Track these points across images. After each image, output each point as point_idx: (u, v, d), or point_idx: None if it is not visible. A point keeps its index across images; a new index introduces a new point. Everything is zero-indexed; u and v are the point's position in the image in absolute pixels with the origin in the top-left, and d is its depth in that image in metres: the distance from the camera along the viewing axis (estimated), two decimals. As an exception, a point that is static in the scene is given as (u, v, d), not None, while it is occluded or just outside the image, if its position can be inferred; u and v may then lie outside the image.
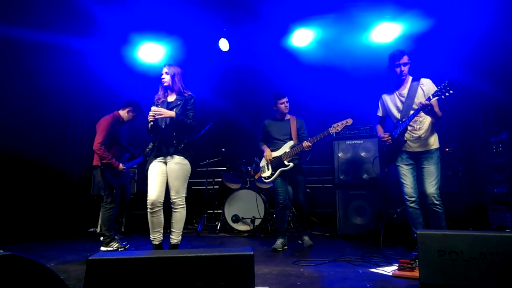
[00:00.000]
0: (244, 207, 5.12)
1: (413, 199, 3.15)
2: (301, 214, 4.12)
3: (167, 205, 3.15)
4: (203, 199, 6.02)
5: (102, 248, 3.80)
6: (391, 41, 5.15)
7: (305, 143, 3.72)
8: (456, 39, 4.80)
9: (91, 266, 1.64)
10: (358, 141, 4.74)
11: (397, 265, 2.76)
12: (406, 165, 3.22)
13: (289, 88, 5.20)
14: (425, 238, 2.19)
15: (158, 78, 3.32)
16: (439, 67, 4.60)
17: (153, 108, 3.10)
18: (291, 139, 3.99)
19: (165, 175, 3.13)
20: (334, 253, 3.49)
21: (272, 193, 4.13)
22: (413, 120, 3.09)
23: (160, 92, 3.29)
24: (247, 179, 5.46)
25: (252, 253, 1.73)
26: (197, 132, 5.13)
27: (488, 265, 2.03)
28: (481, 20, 4.48)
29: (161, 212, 3.11)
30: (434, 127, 3.16)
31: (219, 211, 5.72)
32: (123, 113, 4.08)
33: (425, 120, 3.13)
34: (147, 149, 3.33)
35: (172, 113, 3.09)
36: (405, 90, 3.22)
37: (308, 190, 4.67)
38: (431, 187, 3.02)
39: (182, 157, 3.12)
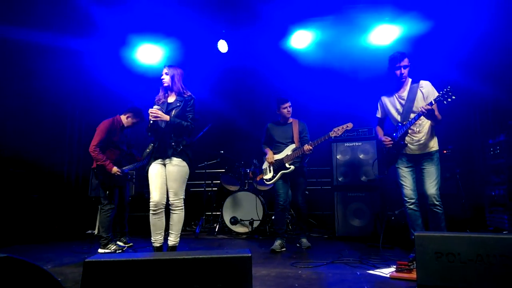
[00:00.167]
0: (242, 209, 5.12)
1: (412, 201, 3.16)
2: (300, 216, 4.13)
3: (166, 207, 3.15)
4: (202, 201, 6.00)
5: (100, 250, 3.79)
6: (390, 43, 5.16)
7: (306, 147, 3.75)
8: (454, 42, 4.81)
9: (88, 268, 1.63)
10: (357, 143, 4.74)
11: (395, 267, 2.76)
12: (406, 167, 3.22)
13: (288, 90, 5.23)
14: (423, 240, 2.19)
15: (156, 79, 3.33)
16: (437, 69, 4.61)
17: (153, 108, 3.10)
18: (293, 142, 4.03)
19: (165, 177, 3.13)
20: (332, 255, 3.49)
21: (271, 195, 4.13)
22: (413, 123, 3.11)
23: (161, 93, 3.30)
24: (246, 181, 5.44)
25: (250, 255, 1.73)
26: (196, 134, 5.12)
27: (485, 267, 2.03)
28: (479, 22, 4.49)
29: (163, 214, 3.12)
30: (433, 130, 3.17)
31: (217, 213, 5.71)
32: (124, 118, 4.09)
33: (425, 123, 3.14)
34: (147, 150, 3.33)
35: (166, 117, 3.08)
36: (404, 93, 3.22)
37: (307, 192, 4.66)
38: (432, 187, 3.03)
39: (180, 159, 3.11)
